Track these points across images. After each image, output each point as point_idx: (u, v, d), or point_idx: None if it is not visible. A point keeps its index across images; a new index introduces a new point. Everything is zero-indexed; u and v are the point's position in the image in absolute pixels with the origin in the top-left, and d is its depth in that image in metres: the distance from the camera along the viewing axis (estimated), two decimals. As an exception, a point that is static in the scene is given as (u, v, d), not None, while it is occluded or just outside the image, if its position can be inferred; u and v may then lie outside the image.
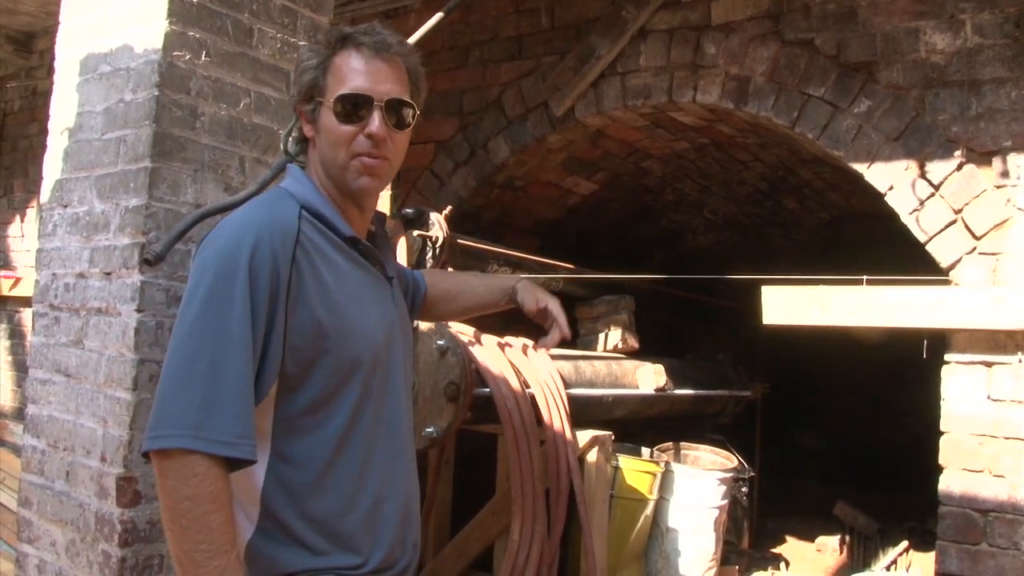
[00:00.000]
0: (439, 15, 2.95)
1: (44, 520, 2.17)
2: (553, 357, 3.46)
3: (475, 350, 3.11)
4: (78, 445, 2.09)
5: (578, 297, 4.53)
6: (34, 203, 5.45)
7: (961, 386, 2.76)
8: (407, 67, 1.41)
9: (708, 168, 4.71)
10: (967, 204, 2.81)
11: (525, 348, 3.34)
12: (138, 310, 1.97)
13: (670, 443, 4.45)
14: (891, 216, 3.02)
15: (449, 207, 3.41)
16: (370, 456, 1.35)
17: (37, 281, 2.31)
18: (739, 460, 4.54)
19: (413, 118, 1.40)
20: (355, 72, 1.35)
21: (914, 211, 2.91)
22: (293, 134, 1.50)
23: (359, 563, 1.32)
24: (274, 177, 1.95)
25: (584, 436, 3.29)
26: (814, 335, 3.39)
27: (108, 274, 2.06)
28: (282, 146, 1.55)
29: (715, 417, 5.39)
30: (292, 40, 2.28)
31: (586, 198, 4.78)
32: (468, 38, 4.14)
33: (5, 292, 5.34)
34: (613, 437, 3.46)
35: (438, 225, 3.30)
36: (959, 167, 2.83)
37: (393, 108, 1.36)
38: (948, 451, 2.77)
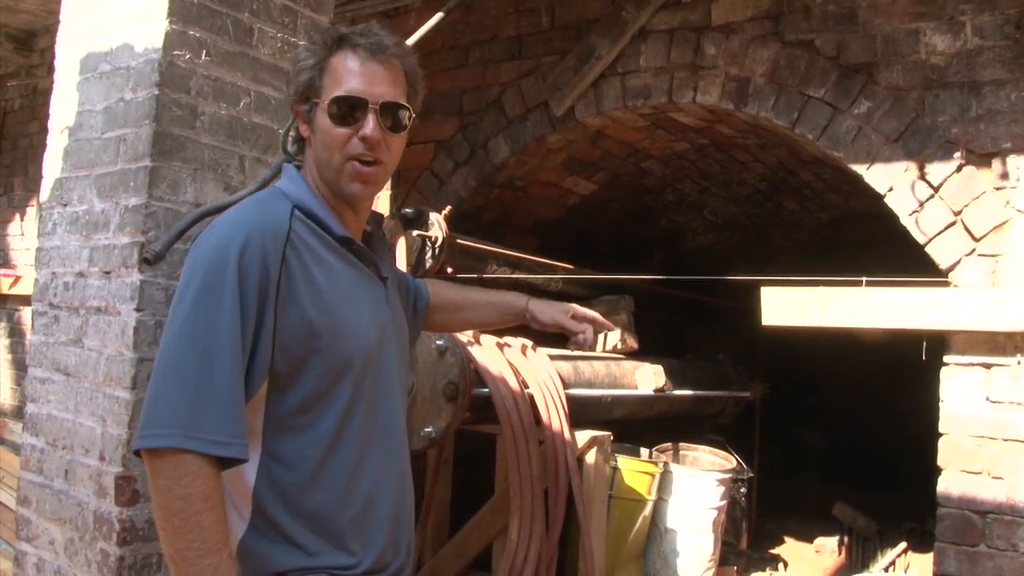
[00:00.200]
0: (439, 15, 2.95)
1: (43, 518, 2.17)
2: (552, 357, 3.46)
3: (474, 350, 3.12)
4: (77, 444, 2.09)
5: (577, 297, 4.52)
6: (34, 202, 5.46)
7: (960, 387, 2.76)
8: (404, 68, 1.41)
9: (708, 169, 4.71)
10: (966, 206, 2.81)
11: (524, 348, 3.34)
12: (137, 309, 1.97)
13: (669, 444, 4.45)
14: (891, 217, 3.02)
15: (449, 207, 3.41)
16: (363, 457, 1.35)
17: (37, 280, 2.31)
18: (738, 461, 4.54)
19: (409, 120, 1.40)
20: (350, 74, 1.34)
21: (913, 212, 2.91)
22: (291, 134, 1.51)
23: (351, 563, 1.32)
24: (273, 177, 1.96)
25: (583, 436, 3.29)
26: (814, 336, 3.38)
27: (107, 273, 2.06)
28: (281, 145, 1.55)
29: (714, 418, 5.39)
30: (292, 40, 2.28)
31: (586, 198, 4.78)
32: (468, 38, 4.13)
33: (5, 291, 5.34)
34: (612, 437, 3.46)
35: (438, 225, 3.30)
36: (959, 169, 2.83)
37: (388, 111, 1.36)
38: (947, 452, 2.77)
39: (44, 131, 2.40)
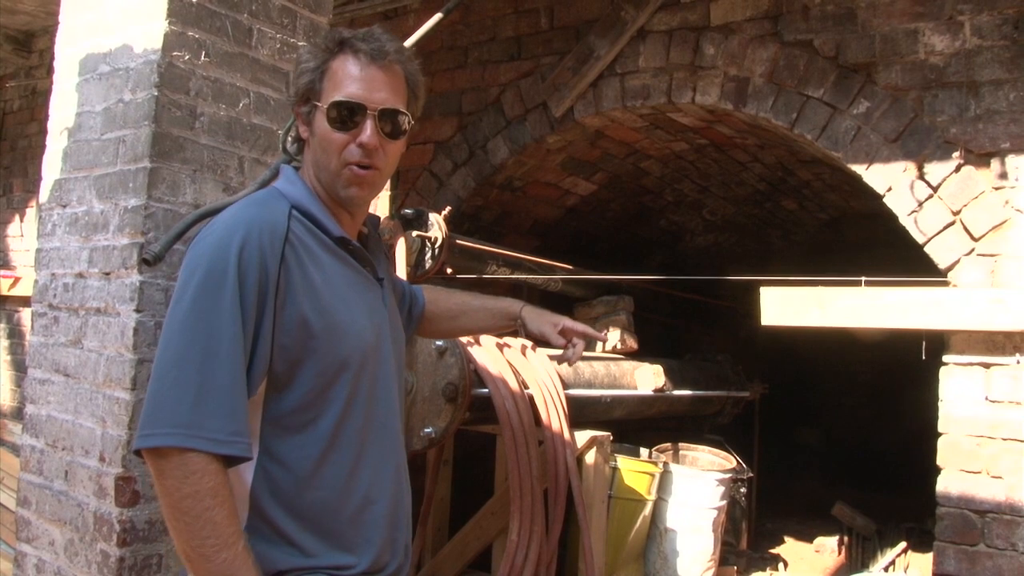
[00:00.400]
0: (438, 16, 2.95)
1: (43, 520, 2.17)
2: (551, 358, 3.46)
3: (473, 351, 3.12)
4: (77, 445, 2.09)
5: (577, 297, 4.53)
6: (33, 203, 5.45)
7: (959, 387, 2.76)
8: (405, 73, 1.40)
9: (707, 169, 4.71)
10: (965, 205, 2.81)
11: (524, 349, 3.34)
12: (137, 310, 1.97)
13: (669, 444, 4.45)
14: (890, 217, 3.02)
15: (448, 207, 3.41)
16: (360, 457, 1.35)
17: (36, 281, 2.31)
18: (737, 460, 4.54)
19: (408, 126, 1.40)
20: (350, 79, 1.34)
21: (913, 212, 2.91)
22: (291, 134, 1.51)
23: (349, 564, 1.32)
24: (272, 178, 1.95)
25: (582, 437, 3.30)
26: (813, 336, 3.39)
27: (107, 274, 2.06)
28: (281, 145, 1.55)
29: (714, 417, 5.39)
30: (291, 40, 2.28)
31: (585, 199, 4.78)
32: (467, 39, 4.14)
33: (4, 292, 5.33)
34: (611, 438, 3.47)
35: (437, 226, 3.30)
36: (957, 168, 2.83)
37: (387, 117, 1.36)
38: (946, 452, 2.77)
39: (43, 132, 2.40)
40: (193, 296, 1.22)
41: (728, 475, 4.10)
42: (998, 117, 2.77)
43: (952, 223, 2.84)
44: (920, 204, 2.90)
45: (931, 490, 2.79)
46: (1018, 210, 2.72)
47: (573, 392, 3.44)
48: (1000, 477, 2.67)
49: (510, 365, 3.19)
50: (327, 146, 1.35)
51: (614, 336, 4.35)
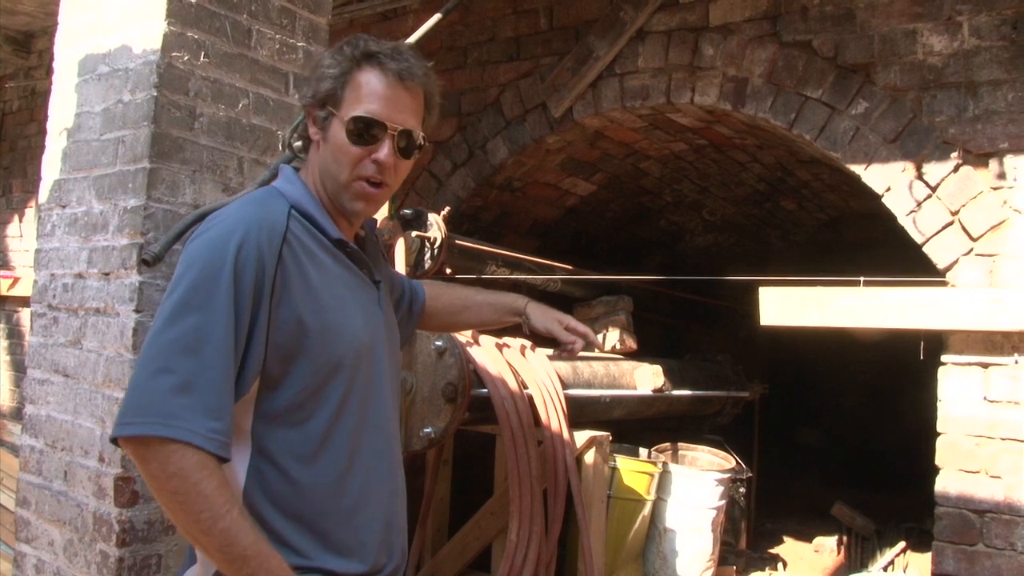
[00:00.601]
0: (437, 16, 2.95)
1: (42, 520, 2.17)
2: (551, 358, 3.46)
3: (473, 351, 3.12)
4: (76, 445, 2.09)
5: (576, 298, 4.53)
6: (33, 203, 5.45)
7: (958, 387, 2.77)
8: (425, 93, 1.42)
9: (706, 169, 4.72)
10: (964, 206, 2.81)
11: (523, 349, 3.34)
12: (136, 310, 1.98)
13: (668, 444, 4.46)
14: (889, 217, 3.03)
15: (447, 208, 3.42)
16: (353, 457, 1.34)
17: (35, 281, 2.32)
18: (737, 461, 4.55)
19: (421, 144, 1.42)
20: (374, 96, 1.35)
21: (911, 212, 2.92)
22: (298, 131, 1.50)
23: (344, 565, 1.32)
24: (272, 178, 1.96)
25: (582, 437, 3.30)
26: (813, 336, 3.39)
27: (106, 274, 2.07)
28: (287, 141, 1.55)
29: (713, 417, 5.40)
30: (291, 41, 2.29)
31: (584, 199, 4.78)
32: (466, 39, 4.14)
33: (3, 292, 5.33)
34: (611, 438, 3.47)
35: (436, 226, 3.30)
36: (956, 169, 2.83)
37: (404, 136, 1.38)
38: (945, 452, 2.78)
39: (43, 133, 2.40)
40: (186, 290, 1.22)
41: (727, 475, 4.10)
42: (996, 117, 2.77)
43: (951, 223, 2.84)
44: (919, 204, 2.90)
45: (930, 490, 2.80)
46: (1016, 210, 2.72)
47: (572, 392, 3.44)
48: (999, 477, 2.67)
49: (509, 365, 3.19)
50: (341, 157, 1.36)
51: (613, 336, 4.35)
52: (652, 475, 3.70)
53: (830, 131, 3.09)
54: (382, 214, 3.19)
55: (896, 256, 3.31)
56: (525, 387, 3.18)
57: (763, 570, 4.73)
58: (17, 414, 5.12)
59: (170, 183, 2.03)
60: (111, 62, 2.14)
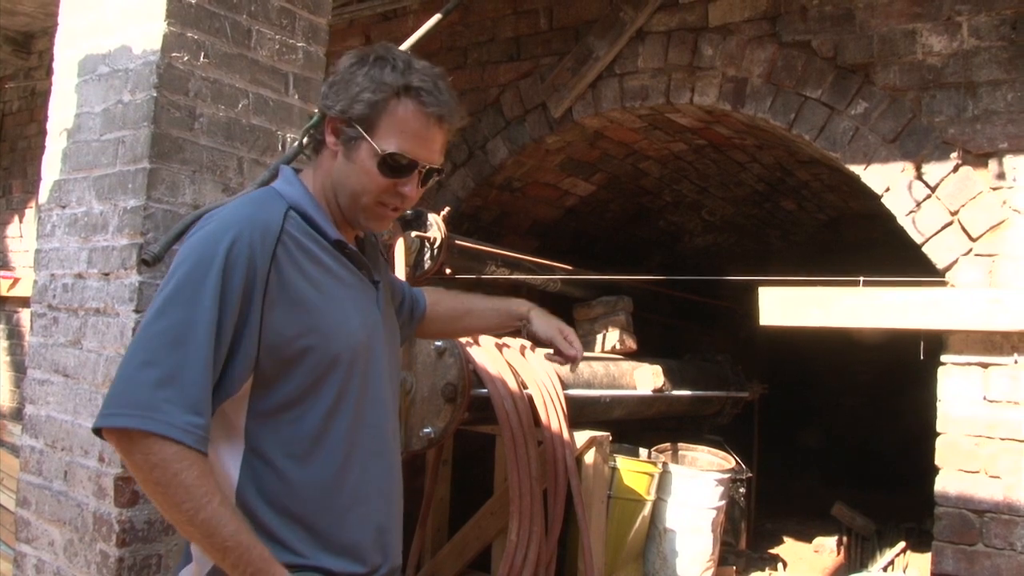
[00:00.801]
0: (437, 16, 2.95)
1: (42, 520, 2.17)
2: (550, 358, 3.46)
3: (473, 351, 3.12)
4: (76, 445, 2.09)
5: (576, 298, 4.54)
6: (33, 203, 5.45)
7: (957, 387, 2.77)
8: (453, 128, 1.44)
9: (706, 169, 4.72)
10: (963, 206, 2.82)
11: (523, 349, 3.34)
12: (136, 311, 1.98)
13: (668, 444, 4.46)
14: (888, 217, 3.03)
15: (447, 208, 3.42)
16: (349, 457, 1.35)
17: (35, 281, 2.32)
18: (737, 461, 4.55)
19: (438, 176, 1.44)
20: (412, 133, 1.35)
21: (910, 212, 2.92)
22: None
23: (339, 564, 1.32)
24: (272, 178, 1.96)
25: (582, 437, 3.30)
26: (812, 336, 3.39)
27: (106, 275, 2.07)
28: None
29: (713, 418, 5.40)
30: (290, 42, 2.29)
31: (584, 199, 4.78)
32: (466, 39, 4.14)
33: (3, 292, 5.34)
34: (611, 438, 3.47)
35: (436, 226, 3.31)
36: (955, 169, 2.84)
37: (429, 171, 1.40)
38: (944, 452, 2.78)
39: (42, 133, 2.40)
40: (176, 285, 1.24)
41: (727, 475, 4.10)
42: (996, 117, 2.77)
43: (950, 223, 2.84)
44: (918, 204, 2.90)
45: (930, 490, 2.80)
46: (1016, 210, 2.73)
47: (572, 392, 3.44)
48: (998, 477, 2.67)
49: (509, 365, 3.19)
50: (367, 183, 1.37)
51: (613, 336, 4.35)
52: (652, 475, 3.70)
53: (829, 131, 3.09)
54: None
55: (896, 256, 3.30)
56: (525, 387, 3.19)
57: (763, 570, 4.73)
58: (17, 414, 5.12)
59: (170, 183, 2.03)
60: (111, 62, 2.14)
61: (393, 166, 1.35)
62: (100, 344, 2.06)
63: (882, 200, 2.99)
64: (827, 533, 5.40)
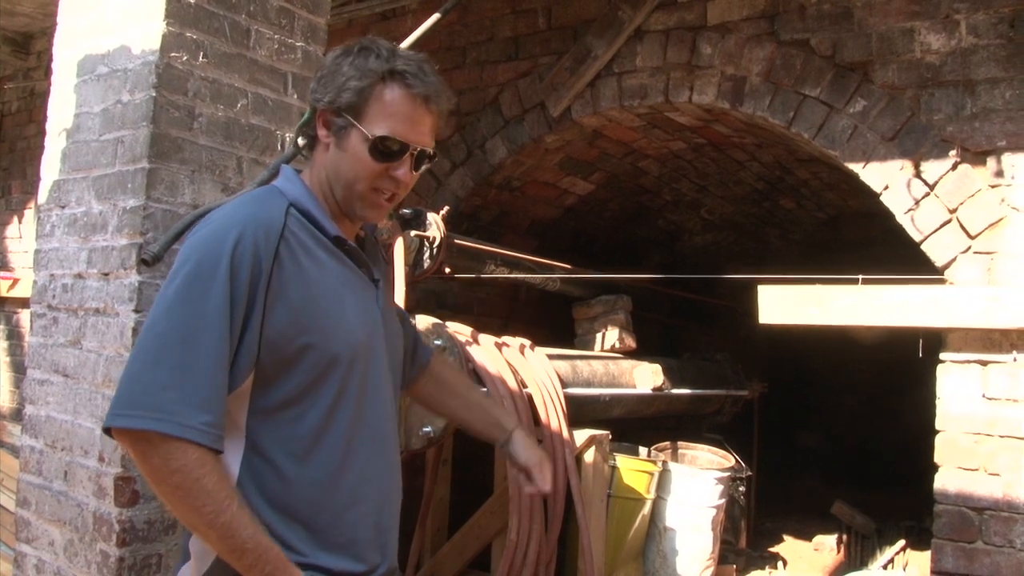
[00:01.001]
0: (436, 16, 2.95)
1: (42, 520, 2.18)
2: (551, 357, 3.46)
3: (472, 350, 3.12)
4: (76, 445, 2.09)
5: (575, 297, 4.54)
6: (32, 204, 5.45)
7: (956, 385, 2.77)
8: (440, 112, 1.43)
9: (705, 168, 4.72)
10: (962, 204, 2.82)
11: (523, 348, 3.34)
12: (136, 310, 1.98)
13: (668, 442, 4.46)
14: (887, 215, 3.03)
15: (446, 207, 3.42)
16: (348, 455, 1.35)
17: (35, 282, 2.32)
18: (736, 459, 4.55)
19: (431, 159, 1.44)
20: (400, 116, 1.36)
21: (909, 211, 2.92)
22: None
23: (338, 563, 1.32)
24: (272, 177, 1.96)
25: (581, 436, 3.30)
26: (812, 334, 3.39)
27: (106, 275, 2.07)
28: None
29: (713, 416, 5.40)
30: (290, 41, 2.29)
31: (583, 198, 4.79)
32: (465, 39, 4.14)
33: (3, 293, 5.34)
34: (610, 437, 3.47)
35: (435, 225, 3.31)
36: (954, 167, 2.84)
37: (422, 154, 1.40)
38: (943, 450, 2.78)
39: (42, 133, 2.41)
40: (181, 284, 1.24)
41: (727, 474, 4.10)
42: (994, 115, 2.77)
43: (949, 221, 2.84)
44: (917, 202, 2.91)
45: (930, 488, 2.80)
46: (1014, 208, 2.73)
47: (572, 391, 3.44)
48: (997, 474, 2.67)
49: (509, 364, 3.20)
50: (360, 169, 1.37)
51: (612, 335, 4.35)
52: (652, 474, 3.70)
53: (828, 129, 3.09)
54: (381, 214, 3.18)
55: (895, 254, 3.31)
56: (524, 386, 3.19)
57: (763, 569, 4.73)
58: (17, 415, 5.12)
59: (169, 183, 2.03)
60: (110, 63, 2.14)
61: (384, 151, 1.35)
62: (100, 344, 2.06)
63: (881, 198, 3.00)
64: (827, 531, 5.40)
